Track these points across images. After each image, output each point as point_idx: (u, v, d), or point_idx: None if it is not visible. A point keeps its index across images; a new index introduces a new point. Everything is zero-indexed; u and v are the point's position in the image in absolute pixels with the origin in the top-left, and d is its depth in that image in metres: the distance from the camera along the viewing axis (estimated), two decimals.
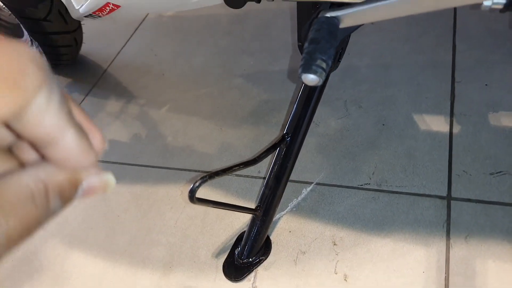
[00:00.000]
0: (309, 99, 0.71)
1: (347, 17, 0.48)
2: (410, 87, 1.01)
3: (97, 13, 0.87)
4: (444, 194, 0.82)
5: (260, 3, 0.61)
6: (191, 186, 0.59)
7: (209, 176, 0.61)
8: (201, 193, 0.63)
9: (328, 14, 0.49)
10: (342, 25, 0.50)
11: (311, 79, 0.48)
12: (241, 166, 0.66)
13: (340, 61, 0.67)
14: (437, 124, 0.92)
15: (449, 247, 0.75)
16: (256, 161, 0.68)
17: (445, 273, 0.72)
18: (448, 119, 0.92)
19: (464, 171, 0.84)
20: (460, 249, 0.74)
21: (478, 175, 0.82)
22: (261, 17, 1.39)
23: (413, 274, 0.74)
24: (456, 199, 0.81)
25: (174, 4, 0.71)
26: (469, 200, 0.80)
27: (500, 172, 0.82)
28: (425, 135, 0.91)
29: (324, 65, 0.48)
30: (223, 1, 0.59)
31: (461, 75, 0.99)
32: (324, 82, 0.72)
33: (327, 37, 0.48)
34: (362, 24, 0.55)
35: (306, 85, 0.71)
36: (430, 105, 0.96)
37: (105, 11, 0.84)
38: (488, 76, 0.97)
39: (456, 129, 0.90)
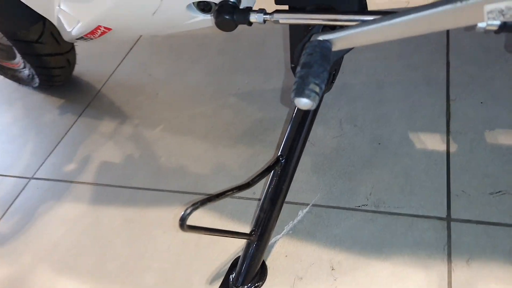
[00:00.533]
0: (303, 120, 0.69)
1: (340, 40, 0.47)
2: (404, 105, 1.00)
3: (89, 35, 0.86)
4: (444, 215, 0.80)
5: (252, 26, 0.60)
6: (182, 213, 0.57)
7: (201, 202, 0.59)
8: (194, 217, 0.61)
9: (321, 38, 0.48)
10: (334, 48, 0.49)
11: (304, 103, 0.47)
12: (234, 191, 0.64)
13: (333, 83, 0.66)
14: (433, 142, 0.91)
15: (451, 271, 0.73)
16: (250, 185, 0.67)
17: None
18: (444, 137, 0.91)
19: (462, 191, 0.82)
20: (462, 272, 0.72)
21: (477, 195, 0.81)
22: (255, 36, 1.39)
23: None
24: (456, 220, 0.79)
25: (164, 27, 0.71)
26: (469, 221, 0.78)
27: (499, 191, 0.81)
28: (421, 154, 0.90)
29: (317, 89, 0.46)
30: (214, 25, 0.58)
31: (455, 92, 0.99)
32: (318, 103, 0.71)
33: (320, 61, 0.46)
34: (353, 48, 0.54)
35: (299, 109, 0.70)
36: (425, 123, 0.95)
37: (97, 33, 0.83)
38: (483, 93, 0.97)
39: (453, 148, 0.89)
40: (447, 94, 0.98)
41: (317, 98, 0.46)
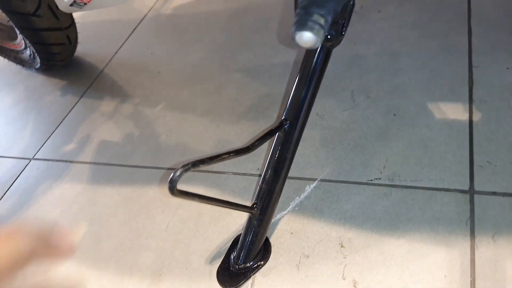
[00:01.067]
0: (310, 79, 0.62)
1: None
2: (422, 74, 0.92)
3: (80, 0, 0.81)
4: (466, 187, 0.72)
5: None
6: (171, 175, 0.51)
7: (192, 164, 0.52)
8: (191, 190, 0.55)
9: None
10: None
11: (307, 38, 0.40)
12: (231, 154, 0.58)
13: (343, 35, 0.59)
14: (454, 111, 0.83)
15: (474, 247, 0.65)
16: (250, 149, 0.60)
17: (471, 277, 0.62)
18: (467, 106, 0.83)
19: (487, 161, 0.74)
20: (487, 249, 0.64)
21: (503, 165, 0.73)
22: (260, 12, 1.32)
23: (433, 279, 0.64)
24: (479, 192, 0.71)
25: None
26: (494, 193, 0.70)
27: None
28: (441, 124, 0.82)
29: (322, 20, 0.40)
30: None
31: (478, 60, 0.90)
32: (325, 59, 0.64)
33: None
34: None
35: (305, 64, 0.63)
36: (445, 92, 0.87)
37: None
38: (509, 58, 0.88)
39: (476, 117, 0.80)
40: (469, 61, 0.90)
41: (322, 32, 0.40)
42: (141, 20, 1.49)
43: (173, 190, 0.52)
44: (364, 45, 1.04)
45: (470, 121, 0.80)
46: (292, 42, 0.41)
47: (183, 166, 0.53)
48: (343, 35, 0.60)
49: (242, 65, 1.16)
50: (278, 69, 1.10)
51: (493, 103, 0.82)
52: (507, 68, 0.86)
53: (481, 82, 0.86)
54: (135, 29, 1.47)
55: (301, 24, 0.40)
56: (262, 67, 1.13)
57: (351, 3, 0.56)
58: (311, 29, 0.40)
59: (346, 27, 0.59)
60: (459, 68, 0.90)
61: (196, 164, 0.54)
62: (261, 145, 0.62)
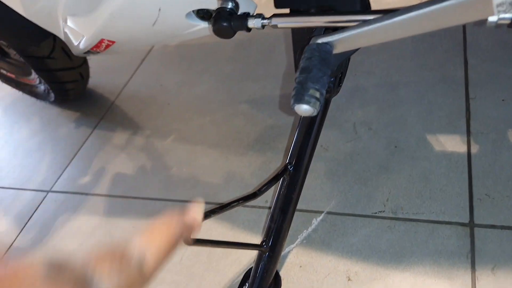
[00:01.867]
0: (311, 126, 0.67)
1: (340, 42, 0.45)
2: (420, 106, 0.96)
3: (95, 49, 0.87)
4: (466, 220, 0.75)
5: (252, 31, 0.58)
6: None
7: (205, 215, 0.57)
8: (204, 227, 0.59)
9: (320, 41, 0.45)
10: (335, 51, 0.46)
11: (304, 109, 0.45)
12: (240, 202, 0.62)
13: (340, 86, 0.63)
14: (453, 143, 0.86)
15: (475, 280, 0.68)
16: (257, 195, 0.64)
17: None
18: (465, 138, 0.86)
19: (486, 194, 0.77)
20: (488, 282, 0.68)
21: (501, 198, 0.76)
22: (265, 42, 1.37)
23: None
24: (479, 225, 0.74)
25: (166, 37, 0.70)
26: (493, 226, 0.73)
27: None
28: (440, 156, 0.85)
29: (317, 94, 0.44)
30: (213, 33, 0.57)
31: (475, 91, 0.94)
32: (325, 107, 0.68)
33: (319, 65, 0.44)
34: (358, 48, 0.51)
35: None
36: (443, 123, 0.90)
37: (102, 46, 0.83)
38: (504, 90, 0.92)
39: (474, 149, 0.84)
40: (466, 93, 0.93)
41: (318, 104, 0.44)
42: (149, 52, 1.55)
43: (188, 241, 0.56)
44: (364, 77, 1.08)
45: (469, 154, 0.84)
46: (292, 111, 0.46)
47: None
48: (341, 86, 0.64)
49: (248, 96, 1.20)
50: (283, 100, 1.14)
51: (490, 135, 0.85)
52: (503, 100, 0.90)
53: (478, 114, 0.89)
54: (143, 60, 1.53)
55: (299, 98, 0.44)
56: (268, 98, 1.17)
57: (347, 59, 0.60)
58: (308, 103, 0.44)
59: (343, 78, 0.64)
60: (456, 100, 0.93)
61: (208, 214, 0.58)
62: (267, 190, 0.66)
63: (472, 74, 0.97)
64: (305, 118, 0.67)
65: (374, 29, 0.42)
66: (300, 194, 0.72)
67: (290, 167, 0.69)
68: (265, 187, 0.65)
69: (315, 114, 0.46)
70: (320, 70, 0.44)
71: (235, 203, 0.61)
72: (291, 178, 0.70)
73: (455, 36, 1.07)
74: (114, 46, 0.78)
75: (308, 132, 0.67)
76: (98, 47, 0.80)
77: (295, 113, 0.48)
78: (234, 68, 1.32)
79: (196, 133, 1.17)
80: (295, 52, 0.60)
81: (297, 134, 0.68)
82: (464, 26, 1.08)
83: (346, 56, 0.50)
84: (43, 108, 1.50)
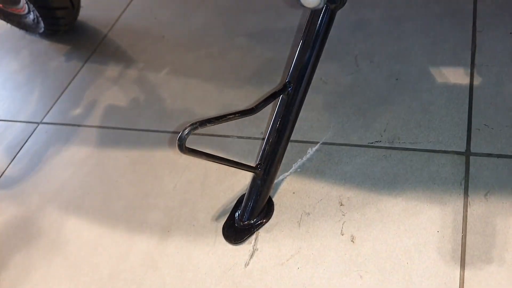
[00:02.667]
0: (314, 41, 0.64)
1: None
2: (425, 39, 0.93)
3: None
4: (463, 149, 0.75)
5: None
6: (179, 133, 0.54)
7: (200, 123, 0.55)
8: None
9: None
10: None
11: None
12: (236, 115, 0.60)
13: None
14: (456, 76, 0.84)
15: (467, 205, 0.69)
16: (254, 110, 0.62)
17: (462, 232, 0.66)
18: (468, 71, 0.84)
19: (485, 124, 0.76)
20: (479, 207, 0.68)
21: (500, 128, 0.75)
22: None
23: (427, 234, 0.67)
24: (475, 154, 0.73)
25: None
26: (489, 155, 0.73)
27: None
28: (442, 88, 0.83)
29: None
30: None
31: (482, 24, 0.90)
32: (329, 22, 0.65)
33: None
34: None
35: (309, 26, 0.64)
36: (448, 56, 0.88)
37: None
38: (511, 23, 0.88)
39: (477, 81, 0.82)
40: (474, 25, 0.90)
41: None
42: None
43: (182, 148, 0.55)
44: (369, 9, 1.03)
45: (471, 85, 0.82)
46: (297, 2, 0.42)
47: (191, 124, 0.55)
48: None
49: (246, 30, 1.16)
50: (282, 34, 1.10)
51: (494, 67, 0.83)
52: (510, 33, 0.87)
53: (483, 47, 0.86)
54: None
55: None
56: (266, 32, 1.13)
57: None
58: None
59: None
60: (462, 33, 0.90)
61: (203, 123, 0.56)
62: (265, 106, 0.64)
63: (481, 7, 0.93)
64: (308, 32, 0.64)
65: None
66: (297, 116, 0.70)
67: (289, 86, 0.67)
68: (262, 104, 0.63)
69: (321, 5, 0.43)
70: None
71: (231, 116, 0.59)
72: (290, 98, 0.68)
73: None
74: None
75: (311, 47, 0.64)
76: None
77: (300, 7, 0.45)
78: (232, 0, 1.26)
79: (191, 66, 1.13)
80: None
81: (299, 50, 0.65)
82: None
83: None
84: (33, 42, 1.44)
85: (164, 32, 1.26)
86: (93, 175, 0.98)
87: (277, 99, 0.68)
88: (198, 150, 0.58)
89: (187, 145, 0.56)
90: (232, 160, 0.66)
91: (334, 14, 0.63)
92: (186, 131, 0.54)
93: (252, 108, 0.63)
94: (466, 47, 0.87)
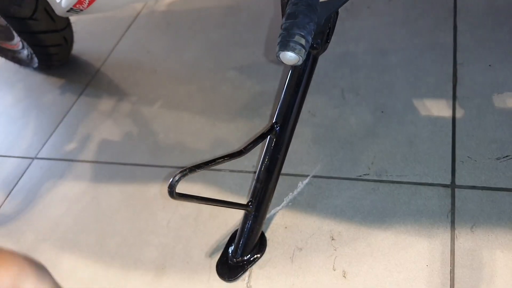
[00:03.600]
0: (298, 84, 0.66)
1: None
2: (409, 72, 0.96)
3: (77, 6, 0.84)
4: (448, 182, 0.77)
5: None
6: (170, 180, 0.55)
7: (190, 169, 0.57)
8: (192, 191, 0.59)
9: None
10: None
11: (289, 57, 0.44)
12: (225, 158, 0.62)
13: (328, 42, 0.62)
14: (439, 108, 0.87)
15: (454, 238, 0.70)
16: (243, 152, 0.64)
17: (450, 266, 0.67)
18: (451, 103, 0.87)
19: (468, 157, 0.78)
20: (466, 240, 0.70)
21: (483, 160, 0.77)
22: (254, 9, 1.34)
23: (416, 268, 0.69)
24: (460, 186, 0.75)
25: None
26: (474, 187, 0.75)
27: (507, 156, 0.77)
28: (426, 121, 0.86)
29: (303, 41, 0.43)
30: None
31: (463, 57, 0.94)
32: (312, 65, 0.67)
33: (306, 11, 0.43)
34: (346, 0, 0.50)
35: (293, 71, 0.67)
36: (430, 89, 0.91)
37: (85, 3, 0.81)
38: (491, 56, 0.92)
39: (459, 113, 0.85)
40: (454, 59, 0.93)
41: (303, 51, 0.43)
42: (136, 17, 1.51)
43: (173, 194, 0.56)
44: (353, 42, 1.07)
45: (453, 118, 0.84)
46: (277, 60, 0.45)
47: (181, 171, 0.57)
48: (328, 42, 0.63)
49: (236, 63, 1.19)
50: (271, 67, 1.13)
51: (475, 100, 0.86)
52: (490, 65, 0.90)
53: (464, 79, 0.90)
54: (130, 26, 1.49)
55: (284, 45, 0.44)
56: (255, 65, 1.16)
57: (335, 13, 0.59)
58: (293, 50, 0.43)
59: (331, 35, 0.63)
60: (444, 65, 0.93)
61: (192, 169, 0.58)
62: (253, 148, 0.66)
63: (461, 40, 0.96)
64: (292, 76, 0.66)
65: None
66: (286, 154, 0.72)
67: (277, 127, 0.69)
68: (251, 145, 0.65)
69: (300, 63, 0.45)
70: (307, 16, 0.43)
71: (220, 160, 0.61)
72: (278, 137, 0.70)
73: (446, 2, 1.06)
74: (97, 2, 0.75)
75: (295, 91, 0.66)
76: (81, 3, 0.77)
77: (281, 66, 0.47)
78: (222, 34, 1.29)
79: (183, 99, 1.15)
80: (282, 5, 0.59)
81: (284, 93, 0.68)
82: None
83: (334, 9, 0.49)
84: (27, 75, 1.46)
85: (157, 66, 1.29)
86: (87, 211, 0.99)
87: (265, 140, 0.70)
88: (188, 195, 0.59)
89: (177, 189, 0.57)
90: (223, 201, 0.68)
91: (316, 58, 0.66)
92: (176, 178, 0.56)
93: (241, 150, 0.65)
94: (448, 80, 0.91)
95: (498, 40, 0.95)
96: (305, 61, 0.65)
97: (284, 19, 0.44)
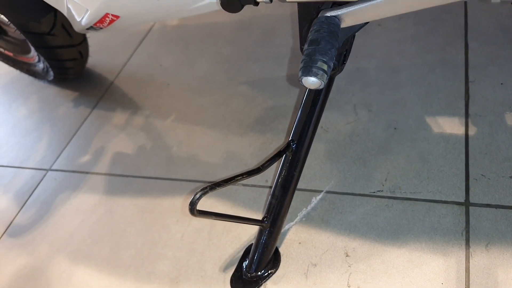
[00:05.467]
0: (314, 103, 0.68)
1: (348, 16, 0.45)
2: (420, 89, 0.97)
3: (98, 24, 0.86)
4: (462, 199, 0.77)
5: (259, 5, 0.58)
6: (191, 198, 0.57)
7: (210, 187, 0.58)
8: (206, 205, 0.60)
9: (328, 14, 0.46)
10: (343, 25, 0.47)
11: (312, 82, 0.45)
12: (244, 176, 0.63)
13: (345, 64, 0.64)
14: (451, 125, 0.88)
15: (469, 256, 0.71)
16: (260, 170, 0.66)
17: (465, 284, 0.68)
18: (463, 120, 0.88)
19: (482, 174, 0.79)
20: (481, 258, 0.70)
21: (497, 178, 0.78)
22: (265, 24, 1.37)
23: (431, 286, 0.69)
24: (474, 204, 0.76)
25: (172, 12, 0.70)
26: (488, 205, 0.75)
27: None
28: (438, 138, 0.87)
29: (325, 67, 0.45)
30: (220, 7, 0.57)
31: (474, 74, 0.95)
32: (329, 85, 0.69)
33: (328, 38, 0.45)
34: (366, 23, 0.52)
35: (310, 89, 0.68)
36: (442, 106, 0.92)
37: (106, 22, 0.83)
38: (503, 74, 0.93)
39: (471, 131, 0.85)
40: (466, 76, 0.95)
41: (325, 76, 0.45)
42: (148, 32, 1.54)
43: (193, 212, 0.58)
44: (365, 59, 1.08)
45: (466, 135, 0.85)
46: (299, 84, 0.46)
47: (202, 189, 0.58)
48: (345, 63, 0.65)
49: (248, 78, 1.20)
50: (282, 82, 1.15)
51: (488, 117, 0.87)
52: (501, 84, 0.91)
53: (476, 97, 0.91)
54: (142, 40, 1.52)
55: (307, 70, 0.45)
56: (267, 80, 1.18)
57: (352, 36, 0.61)
58: (315, 75, 0.45)
59: (347, 56, 0.64)
60: (456, 83, 0.95)
61: (213, 187, 0.59)
62: (271, 165, 0.68)
63: (472, 57, 0.98)
64: (308, 95, 0.68)
65: (381, 2, 0.43)
66: (301, 171, 0.73)
67: (293, 144, 0.71)
68: (268, 163, 0.67)
69: (322, 87, 0.46)
70: (329, 43, 0.44)
71: (239, 177, 0.62)
72: (293, 155, 0.71)
73: (457, 20, 1.08)
74: (118, 21, 0.77)
75: (312, 109, 0.68)
76: (102, 22, 0.80)
77: (300, 86, 0.49)
78: (234, 49, 1.32)
79: (196, 113, 1.17)
80: (301, 27, 0.60)
81: (301, 111, 0.69)
82: (466, 10, 1.08)
83: (353, 31, 0.51)
84: (41, 88, 1.49)
85: (169, 79, 1.31)
86: (101, 224, 1.00)
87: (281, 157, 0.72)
88: (208, 212, 0.61)
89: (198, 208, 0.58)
90: (240, 217, 0.69)
91: (333, 79, 0.67)
92: (197, 196, 0.57)
93: (259, 168, 0.66)
94: (460, 97, 0.92)
95: (509, 58, 0.96)
96: None
97: (306, 45, 0.46)
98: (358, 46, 1.13)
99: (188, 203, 0.57)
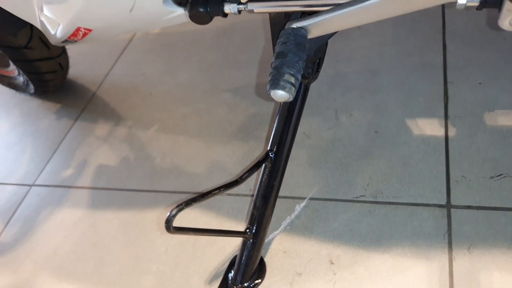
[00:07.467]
0: (291, 112, 0.67)
1: (315, 27, 0.45)
2: (401, 92, 0.97)
3: (72, 38, 0.85)
4: (443, 202, 0.77)
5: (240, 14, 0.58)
6: (167, 215, 0.56)
7: (186, 203, 0.57)
8: (190, 217, 0.59)
9: (295, 25, 0.46)
10: (310, 35, 0.46)
11: (280, 95, 0.45)
12: (221, 189, 0.62)
13: (319, 71, 0.63)
14: (431, 128, 0.88)
15: (452, 260, 0.71)
16: (239, 182, 0.65)
17: None
18: (443, 122, 0.88)
19: (462, 176, 0.79)
20: (464, 261, 0.70)
21: (477, 179, 0.78)
22: (247, 30, 1.36)
23: None
24: (456, 207, 0.76)
25: (144, 24, 0.69)
26: (469, 207, 0.75)
27: (500, 175, 0.78)
28: (419, 141, 0.87)
29: (292, 79, 0.44)
30: (189, 19, 0.56)
31: (453, 75, 0.95)
32: (304, 93, 0.68)
33: (295, 50, 0.44)
34: (335, 33, 0.52)
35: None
36: (422, 108, 0.92)
37: (79, 35, 0.82)
38: (481, 74, 0.94)
39: (451, 133, 0.86)
40: (445, 77, 0.95)
41: (293, 89, 0.44)
42: (130, 41, 1.52)
43: (170, 229, 0.57)
44: (345, 63, 1.08)
45: (446, 137, 0.85)
46: (268, 96, 0.46)
47: (177, 206, 0.57)
48: (319, 71, 0.64)
49: (231, 85, 1.20)
50: (265, 89, 1.14)
51: (467, 118, 0.87)
52: (480, 83, 0.92)
53: (455, 98, 0.91)
54: (124, 49, 1.50)
55: (274, 83, 0.44)
56: (251, 86, 1.17)
57: (325, 44, 0.61)
58: (283, 88, 0.44)
59: (321, 64, 0.64)
60: (435, 84, 0.95)
61: (189, 203, 0.58)
62: (249, 177, 0.67)
63: (451, 59, 0.98)
64: (284, 105, 0.67)
65: (347, 12, 0.43)
66: (281, 181, 0.73)
67: (271, 154, 0.70)
68: (246, 174, 0.66)
69: (290, 99, 0.46)
70: (296, 55, 0.44)
71: (216, 191, 0.61)
72: (273, 165, 0.71)
73: (435, 22, 1.08)
74: (91, 34, 0.76)
75: (288, 118, 0.67)
76: (75, 35, 0.78)
77: (273, 100, 0.48)
78: (216, 56, 1.31)
79: (179, 122, 1.16)
80: (273, 37, 0.60)
81: (277, 121, 0.69)
82: (443, 12, 1.09)
83: (323, 41, 0.50)
84: (23, 101, 1.47)
85: (152, 89, 1.30)
86: (85, 239, 0.99)
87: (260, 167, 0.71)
88: (185, 228, 0.60)
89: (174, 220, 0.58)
90: (221, 230, 0.68)
91: (308, 87, 0.67)
92: (173, 213, 0.56)
93: (237, 180, 0.66)
94: (439, 99, 0.92)
95: (487, 58, 0.96)
96: (297, 90, 0.66)
97: (274, 57, 0.45)
98: (338, 50, 1.13)
99: (164, 220, 0.56)
